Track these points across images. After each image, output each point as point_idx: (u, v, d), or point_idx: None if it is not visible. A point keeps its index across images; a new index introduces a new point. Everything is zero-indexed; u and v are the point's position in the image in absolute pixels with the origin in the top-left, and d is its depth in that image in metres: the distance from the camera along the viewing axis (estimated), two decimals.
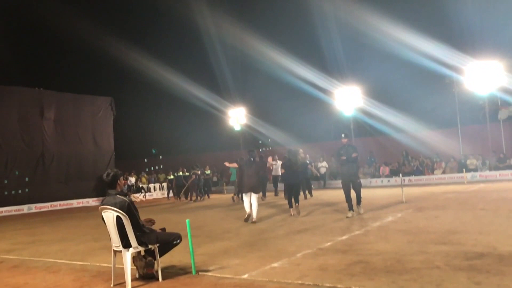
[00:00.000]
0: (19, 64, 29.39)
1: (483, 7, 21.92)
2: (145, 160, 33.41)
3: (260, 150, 26.96)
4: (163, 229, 5.74)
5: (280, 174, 15.04)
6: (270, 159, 15.29)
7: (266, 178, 17.30)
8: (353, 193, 10.12)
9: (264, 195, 16.93)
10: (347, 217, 9.72)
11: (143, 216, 5.58)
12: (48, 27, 28.90)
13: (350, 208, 10.02)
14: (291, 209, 11.14)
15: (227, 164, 13.28)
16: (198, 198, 20.82)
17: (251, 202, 10.44)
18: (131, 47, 27.76)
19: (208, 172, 22.73)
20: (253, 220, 10.30)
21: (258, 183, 11.04)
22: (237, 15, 27.71)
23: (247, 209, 10.49)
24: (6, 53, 26.86)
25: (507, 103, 20.69)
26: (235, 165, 12.99)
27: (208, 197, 21.42)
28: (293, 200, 11.07)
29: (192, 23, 29.73)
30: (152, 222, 5.73)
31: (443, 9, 23.16)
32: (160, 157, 34.12)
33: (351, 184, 10.08)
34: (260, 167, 11.86)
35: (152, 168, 29.97)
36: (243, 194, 10.83)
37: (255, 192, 10.58)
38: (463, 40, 21.64)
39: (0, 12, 28.08)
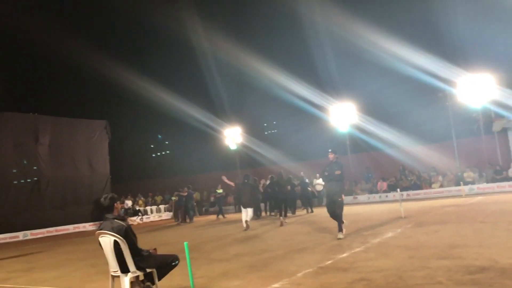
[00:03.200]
0: (14, 89, 29.44)
1: (475, 21, 22.27)
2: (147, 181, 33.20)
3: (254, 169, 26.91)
4: (155, 250, 5.66)
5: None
6: (262, 181, 17.51)
7: (259, 198, 18.28)
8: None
9: (258, 215, 17.89)
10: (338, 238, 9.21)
11: (141, 239, 5.50)
12: (42, 52, 29.10)
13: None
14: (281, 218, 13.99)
15: (224, 179, 15.39)
16: (187, 219, 20.58)
17: (247, 214, 13.41)
18: (125, 68, 27.87)
19: (220, 191, 22.56)
20: (246, 219, 13.32)
21: (252, 200, 14.05)
22: (231, 34, 28.00)
23: (244, 219, 13.32)
24: (0, 79, 26.90)
25: (501, 115, 20.84)
26: (232, 183, 15.52)
27: (224, 216, 20.95)
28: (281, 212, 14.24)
29: (186, 43, 30.02)
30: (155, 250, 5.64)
31: (435, 23, 23.49)
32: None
33: (334, 203, 9.51)
34: (254, 188, 14.85)
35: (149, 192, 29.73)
36: (242, 208, 13.70)
37: (250, 207, 13.64)
38: (455, 53, 21.89)
39: None
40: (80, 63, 27.91)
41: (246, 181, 14.14)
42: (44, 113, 24.09)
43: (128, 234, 5.12)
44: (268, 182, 18.67)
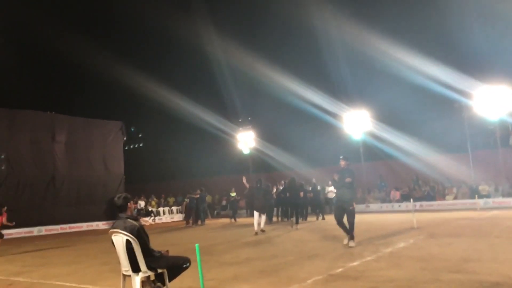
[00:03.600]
0: (33, 88, 30.05)
1: (492, 33, 22.05)
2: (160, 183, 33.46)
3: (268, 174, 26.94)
4: (167, 252, 5.70)
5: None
6: (275, 187, 17.75)
7: (272, 203, 18.41)
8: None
9: (270, 219, 17.84)
10: (344, 244, 9.25)
11: (153, 240, 5.56)
12: (64, 55, 29.73)
13: (346, 232, 9.44)
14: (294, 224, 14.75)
15: (244, 180, 15.14)
16: (199, 222, 20.76)
17: (260, 217, 13.58)
18: (142, 73, 28.41)
19: (234, 194, 22.63)
20: (262, 229, 13.57)
21: (265, 205, 14.20)
22: (246, 43, 28.21)
23: (256, 227, 13.42)
24: (21, 78, 27.52)
25: None
26: (247, 185, 15.18)
27: (235, 220, 21.08)
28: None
29: (201, 49, 30.38)
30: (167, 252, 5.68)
31: (451, 33, 23.33)
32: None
33: (345, 211, 9.40)
34: (267, 192, 15.20)
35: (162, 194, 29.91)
36: (254, 212, 13.67)
37: (262, 212, 13.73)
38: (472, 65, 21.68)
39: (17, 38, 28.90)
40: (99, 66, 28.52)
41: (258, 185, 14.27)
42: (62, 112, 24.50)
43: (140, 234, 5.17)
44: (281, 187, 18.71)
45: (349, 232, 9.32)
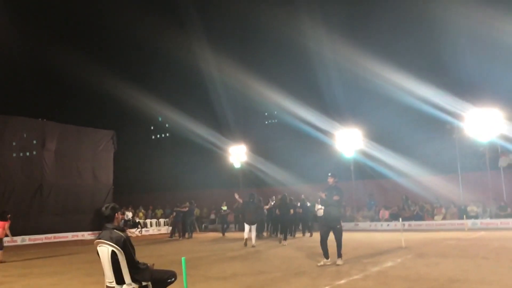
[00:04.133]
0: (24, 95, 29.90)
1: (483, 56, 22.46)
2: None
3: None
4: (153, 265, 5.61)
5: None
6: (266, 207, 18.06)
7: (263, 218, 18.50)
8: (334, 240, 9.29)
9: (260, 233, 18.15)
10: (318, 265, 9.00)
11: (139, 252, 5.47)
12: (54, 63, 29.69)
13: (325, 255, 9.17)
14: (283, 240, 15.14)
15: (236, 196, 16.40)
16: (186, 235, 20.67)
17: (250, 231, 14.35)
18: (134, 85, 28.50)
19: (225, 208, 22.43)
20: (253, 244, 14.15)
21: (256, 218, 14.93)
22: (238, 57, 28.48)
23: (246, 235, 14.33)
24: (13, 84, 27.39)
25: (508, 150, 20.75)
26: (240, 200, 16.37)
27: (223, 235, 20.96)
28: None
29: (193, 63, 30.55)
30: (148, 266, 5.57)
31: (444, 57, 23.75)
32: None
33: (332, 230, 9.26)
34: (258, 207, 15.82)
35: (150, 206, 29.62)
36: (245, 224, 14.62)
37: (253, 224, 14.48)
38: (463, 87, 22.02)
39: (8, 46, 28.81)
40: (90, 77, 28.57)
41: (251, 200, 14.99)
42: (53, 119, 24.30)
43: (126, 245, 5.09)
44: (272, 203, 18.90)
45: (338, 251, 9.20)
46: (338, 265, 8.97)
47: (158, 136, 35.03)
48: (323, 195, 9.42)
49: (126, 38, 34.58)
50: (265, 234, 19.58)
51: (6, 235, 12.59)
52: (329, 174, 9.61)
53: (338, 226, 9.22)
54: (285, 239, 15.28)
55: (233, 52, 29.37)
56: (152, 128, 35.86)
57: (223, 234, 20.82)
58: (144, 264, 5.33)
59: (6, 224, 12.49)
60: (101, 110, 34.13)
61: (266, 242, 16.24)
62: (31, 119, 23.08)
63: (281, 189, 23.18)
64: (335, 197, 9.17)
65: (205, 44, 29.40)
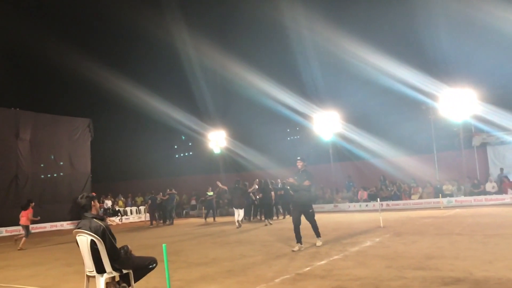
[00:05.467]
0: None
1: (458, 37, 22.73)
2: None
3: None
4: (127, 248, 5.56)
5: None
6: (250, 189, 18.38)
7: (249, 201, 19.30)
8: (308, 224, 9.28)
9: (248, 215, 19.21)
10: (292, 250, 8.80)
11: (119, 240, 5.43)
12: (26, 48, 28.65)
13: (298, 240, 9.00)
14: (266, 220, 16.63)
15: (219, 184, 17.62)
16: (167, 221, 20.87)
17: (239, 213, 15.70)
18: (110, 69, 27.60)
19: (211, 193, 22.32)
20: (239, 220, 15.50)
21: (243, 202, 16.31)
22: (217, 41, 28.00)
23: (236, 218, 15.58)
24: None
25: (480, 130, 21.26)
26: (225, 187, 17.93)
27: (205, 220, 20.72)
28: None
29: (172, 46, 29.86)
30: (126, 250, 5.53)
31: (419, 38, 23.89)
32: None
33: (304, 214, 9.11)
34: (244, 191, 16.86)
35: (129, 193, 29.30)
36: (234, 209, 16.11)
37: (241, 208, 15.89)
38: (438, 68, 22.27)
39: None
40: (64, 62, 27.56)
41: (237, 185, 16.49)
42: (26, 108, 23.65)
43: (105, 234, 5.05)
44: (256, 186, 19.16)
45: (316, 233, 9.30)
46: (318, 246, 9.07)
47: (137, 123, 34.45)
48: (292, 180, 9.24)
49: (99, 20, 33.53)
50: (251, 218, 19.88)
51: (34, 222, 13.95)
52: (298, 158, 9.46)
53: (310, 211, 9.13)
54: (269, 218, 16.97)
55: (211, 34, 28.82)
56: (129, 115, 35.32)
57: (205, 219, 20.79)
58: (124, 248, 5.28)
59: (30, 214, 13.41)
60: (77, 97, 33.22)
61: (249, 226, 16.36)
62: (4, 109, 22.44)
63: (260, 174, 23.25)
64: (306, 182, 9.04)
65: (183, 25, 28.69)
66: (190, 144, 31.11)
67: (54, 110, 25.37)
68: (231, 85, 28.53)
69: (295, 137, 26.61)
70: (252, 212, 20.30)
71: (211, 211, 21.36)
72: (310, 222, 9.24)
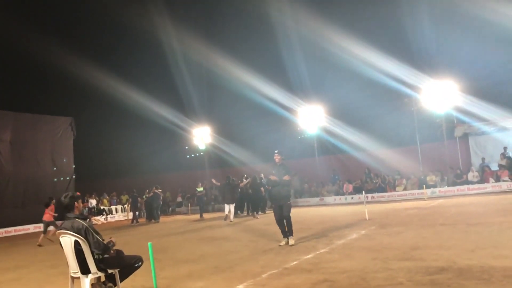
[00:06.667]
0: None
1: (440, 29, 22.98)
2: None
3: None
4: (120, 252, 5.51)
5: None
6: (242, 184, 18.97)
7: (239, 196, 19.23)
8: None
9: (240, 210, 19.58)
10: (279, 245, 8.74)
11: (105, 239, 5.36)
12: (5, 47, 27.93)
13: (284, 235, 8.92)
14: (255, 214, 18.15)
15: (213, 181, 18.84)
16: (152, 220, 20.62)
17: (230, 208, 16.37)
18: (92, 64, 27.02)
19: (201, 189, 22.10)
20: (230, 220, 16.06)
21: (234, 197, 17.10)
22: (202, 34, 27.77)
23: (226, 212, 16.36)
24: None
25: (462, 121, 21.58)
26: (218, 183, 18.40)
27: (201, 216, 20.35)
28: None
29: (155, 40, 29.51)
30: (113, 243, 5.48)
31: (401, 29, 24.04)
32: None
33: (282, 208, 8.84)
34: (235, 187, 17.63)
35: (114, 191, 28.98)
36: (225, 204, 16.81)
37: (232, 203, 16.54)
38: (420, 59, 22.48)
39: None
40: (44, 58, 26.88)
41: (227, 181, 17.26)
42: (5, 108, 23.19)
43: (88, 233, 4.99)
44: (245, 180, 19.65)
45: (288, 230, 8.87)
46: (291, 245, 8.59)
47: (120, 119, 33.94)
48: (274, 178, 8.92)
49: (80, 12, 32.85)
50: (244, 213, 19.83)
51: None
52: (276, 151, 9.16)
53: (288, 203, 8.89)
54: (257, 212, 18.12)
55: (195, 27, 28.48)
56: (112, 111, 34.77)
57: (201, 216, 20.47)
58: (110, 243, 5.21)
59: (51, 210, 14.37)
60: (57, 95, 32.60)
61: (237, 221, 16.37)
62: None
63: (245, 170, 23.26)
64: (286, 177, 8.83)
65: (167, 18, 28.17)
66: (174, 140, 30.83)
67: (35, 109, 24.95)
68: (215, 79, 28.39)
69: (280, 131, 26.59)
70: (245, 207, 20.17)
71: (203, 206, 21.46)
72: (285, 218, 8.85)
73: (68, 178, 24.65)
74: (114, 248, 5.32)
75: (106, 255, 5.14)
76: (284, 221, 8.92)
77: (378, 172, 22.89)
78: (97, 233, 5.09)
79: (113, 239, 5.34)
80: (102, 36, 35.08)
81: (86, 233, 4.97)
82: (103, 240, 5.11)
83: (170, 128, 29.33)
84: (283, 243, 8.86)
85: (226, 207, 16.57)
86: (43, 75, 31.96)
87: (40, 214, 21.77)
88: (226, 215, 16.27)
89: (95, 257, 5.03)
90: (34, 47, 26.46)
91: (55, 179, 23.97)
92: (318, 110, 24.30)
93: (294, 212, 9.58)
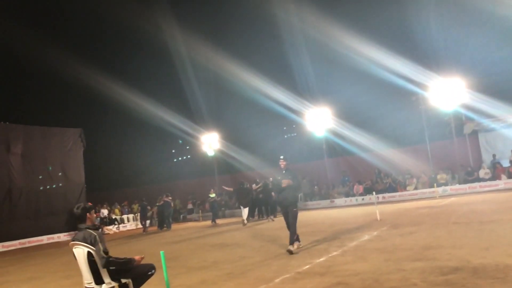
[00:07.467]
0: None
1: (447, 26, 22.87)
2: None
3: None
4: (140, 258, 5.52)
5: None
6: (254, 186, 20.07)
7: (253, 200, 20.07)
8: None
9: (252, 214, 19.92)
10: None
11: (117, 248, 5.39)
12: (14, 59, 28.29)
13: (295, 238, 8.79)
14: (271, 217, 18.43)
15: (225, 187, 20.38)
16: (165, 227, 20.83)
17: (244, 212, 17.54)
18: (100, 75, 27.32)
19: (213, 195, 22.21)
20: (245, 222, 16.96)
21: (248, 201, 18.43)
22: (208, 39, 27.91)
23: (244, 217, 17.31)
24: None
25: (471, 118, 21.40)
26: (231, 189, 19.96)
27: (214, 222, 20.46)
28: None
29: (163, 48, 29.74)
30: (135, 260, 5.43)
31: (408, 28, 23.95)
32: None
33: (288, 213, 8.82)
34: (249, 191, 19.00)
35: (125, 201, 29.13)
36: (242, 208, 17.91)
37: (246, 207, 17.89)
38: (428, 57, 22.35)
39: None
40: (53, 70, 27.27)
41: (241, 186, 18.67)
42: (16, 122, 23.50)
43: (96, 242, 5.01)
44: (254, 184, 20.35)
45: (290, 235, 8.67)
46: (290, 251, 8.32)
47: (129, 129, 34.15)
48: (286, 182, 8.80)
49: (91, 23, 33.23)
50: (255, 217, 20.12)
51: None
52: (281, 157, 9.14)
53: (294, 209, 8.80)
54: (271, 215, 18.58)
55: (203, 32, 28.56)
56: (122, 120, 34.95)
57: (214, 222, 20.46)
58: (130, 258, 5.21)
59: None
60: (67, 107, 33.03)
61: (250, 225, 16.46)
62: None
63: (254, 175, 23.30)
64: (285, 181, 8.76)
65: (175, 25, 28.36)
66: (187, 148, 30.95)
67: (45, 121, 25.22)
68: (223, 85, 28.49)
69: (288, 135, 26.59)
70: (256, 211, 20.43)
71: (217, 212, 21.73)
72: (290, 222, 8.74)
73: (79, 188, 24.81)
74: (128, 257, 5.31)
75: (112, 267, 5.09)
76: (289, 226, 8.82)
77: (388, 173, 22.76)
78: (102, 242, 5.08)
79: (138, 258, 5.31)
80: (111, 47, 35.42)
81: (94, 241, 5.01)
82: (107, 250, 5.08)
83: (179, 135, 29.46)
84: (295, 246, 8.81)
85: (242, 210, 17.64)
86: (54, 88, 32.31)
87: (52, 225, 22.19)
88: (243, 219, 17.12)
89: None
90: (45, 61, 26.81)
91: (67, 190, 24.14)
92: (325, 112, 24.26)
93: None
